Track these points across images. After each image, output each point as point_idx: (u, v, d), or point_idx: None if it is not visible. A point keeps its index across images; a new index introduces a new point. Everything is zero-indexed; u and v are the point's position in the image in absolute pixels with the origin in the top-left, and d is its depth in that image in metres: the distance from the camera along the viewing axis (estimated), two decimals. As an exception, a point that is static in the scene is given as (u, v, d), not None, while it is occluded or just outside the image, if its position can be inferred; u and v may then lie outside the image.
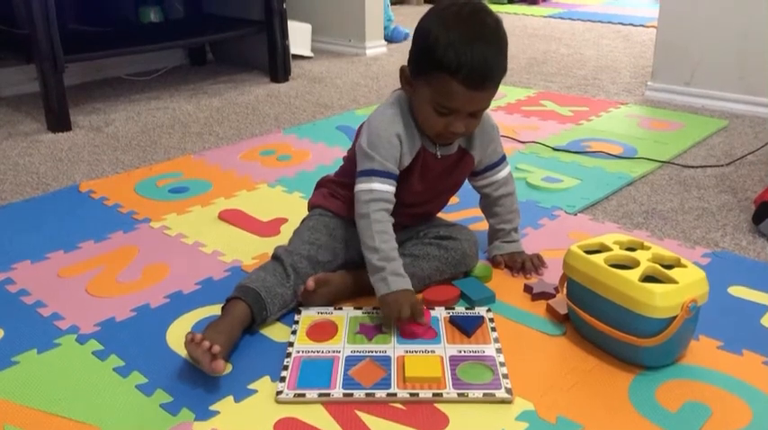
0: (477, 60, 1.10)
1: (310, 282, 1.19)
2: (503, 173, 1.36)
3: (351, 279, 1.25)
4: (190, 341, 1.03)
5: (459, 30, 1.11)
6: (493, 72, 1.13)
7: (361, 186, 1.20)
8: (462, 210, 1.52)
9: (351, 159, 1.30)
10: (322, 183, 1.39)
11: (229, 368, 1.07)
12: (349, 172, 1.29)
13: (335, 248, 1.27)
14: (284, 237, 1.48)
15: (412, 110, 1.21)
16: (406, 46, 3.98)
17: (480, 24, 1.13)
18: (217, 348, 1.00)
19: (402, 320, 1.13)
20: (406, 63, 1.21)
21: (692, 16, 2.44)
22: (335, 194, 1.33)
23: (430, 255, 1.27)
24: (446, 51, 1.10)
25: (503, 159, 1.35)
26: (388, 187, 1.20)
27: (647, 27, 3.98)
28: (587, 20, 4.37)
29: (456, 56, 1.09)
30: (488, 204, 1.39)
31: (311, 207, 1.36)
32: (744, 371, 1.07)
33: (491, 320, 1.19)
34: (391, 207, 1.20)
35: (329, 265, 1.26)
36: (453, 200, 1.41)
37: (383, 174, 1.19)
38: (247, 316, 1.13)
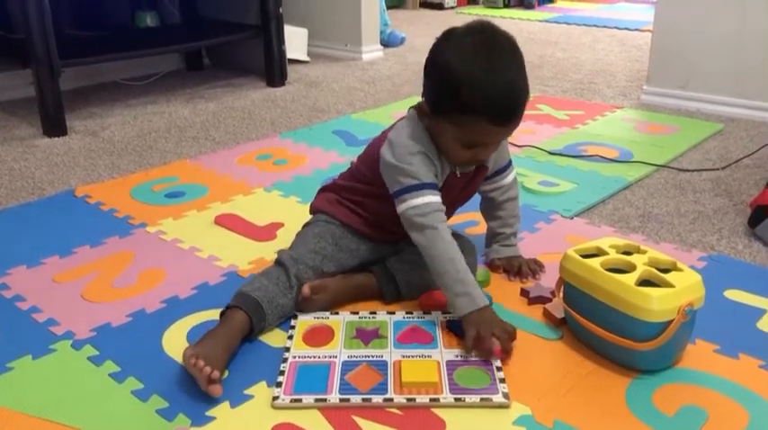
0: (505, 97, 1.08)
1: (306, 289, 1.18)
2: (509, 177, 1.35)
3: (348, 283, 1.25)
4: (192, 366, 1.01)
5: (480, 66, 1.07)
6: (521, 101, 1.11)
7: (415, 202, 1.15)
8: (459, 214, 1.52)
9: (360, 167, 1.28)
10: (328, 188, 1.36)
11: (226, 373, 1.06)
12: (359, 177, 1.28)
13: (341, 259, 1.26)
14: (281, 241, 1.48)
15: (432, 136, 1.18)
16: (403, 50, 3.96)
17: (498, 53, 1.09)
18: (216, 374, 0.99)
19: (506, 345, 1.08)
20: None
21: (687, 20, 2.44)
22: (343, 201, 1.30)
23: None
24: (472, 94, 1.07)
25: (509, 164, 1.35)
26: (435, 197, 1.17)
27: (643, 31, 3.99)
28: (583, 24, 4.39)
29: (484, 98, 1.07)
30: (491, 208, 1.39)
31: (315, 211, 1.34)
32: (740, 375, 1.07)
33: (488, 324, 1.18)
34: (444, 216, 1.18)
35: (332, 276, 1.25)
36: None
37: (429, 186, 1.16)
38: (246, 326, 1.13)
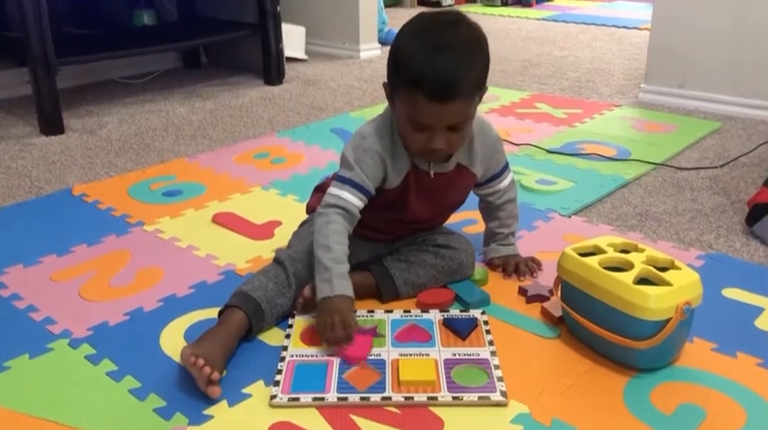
0: (440, 71, 1.06)
1: (306, 291, 1.18)
2: (506, 181, 1.34)
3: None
4: (192, 364, 1.01)
5: (423, 40, 1.08)
6: (458, 82, 1.07)
7: (333, 190, 1.19)
8: (456, 212, 1.52)
9: None
10: (322, 187, 1.35)
11: (224, 373, 1.06)
12: None
13: None
14: (278, 240, 1.48)
15: (398, 126, 1.19)
16: (400, 48, 3.80)
17: (449, 34, 1.09)
18: (216, 375, 0.99)
19: (331, 335, 1.09)
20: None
21: (685, 19, 2.44)
22: None
23: (426, 262, 1.27)
24: (409, 63, 1.08)
25: (506, 167, 1.34)
26: (356, 200, 1.18)
27: (641, 29, 3.99)
28: (581, 22, 4.39)
29: (418, 66, 1.07)
30: (490, 209, 1.38)
31: (311, 210, 1.34)
32: (738, 373, 1.07)
33: (485, 323, 1.18)
34: (353, 220, 1.19)
35: None
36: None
37: (357, 187, 1.18)
38: (245, 326, 1.12)
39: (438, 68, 1.07)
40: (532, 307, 1.25)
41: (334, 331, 1.09)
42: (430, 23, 1.12)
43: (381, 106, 2.52)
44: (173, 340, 1.15)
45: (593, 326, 1.08)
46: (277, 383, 1.03)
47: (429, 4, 5.07)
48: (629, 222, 1.61)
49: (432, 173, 1.22)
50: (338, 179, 1.20)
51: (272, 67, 2.85)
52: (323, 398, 1.00)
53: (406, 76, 1.09)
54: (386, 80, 1.18)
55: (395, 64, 1.12)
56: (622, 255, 1.12)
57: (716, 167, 1.93)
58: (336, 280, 1.12)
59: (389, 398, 1.00)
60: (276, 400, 1.00)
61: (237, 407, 1.00)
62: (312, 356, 1.10)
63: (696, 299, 1.05)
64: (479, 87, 1.13)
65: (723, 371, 1.08)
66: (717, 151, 2.07)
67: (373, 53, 3.43)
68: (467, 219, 1.54)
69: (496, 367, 1.07)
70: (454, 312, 1.22)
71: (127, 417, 0.99)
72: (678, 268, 1.09)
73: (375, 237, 1.30)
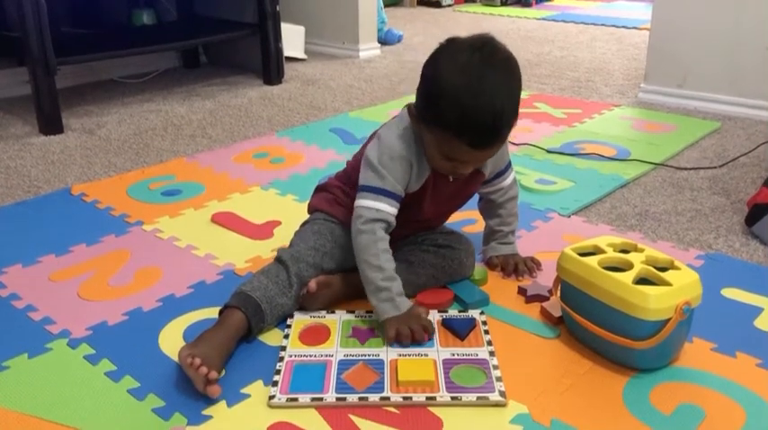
0: (484, 122, 1.05)
1: (312, 285, 1.18)
2: (509, 179, 1.34)
3: (350, 282, 1.24)
4: (189, 365, 1.01)
5: (465, 86, 1.04)
6: (502, 127, 1.08)
7: (368, 203, 1.16)
8: (458, 211, 1.52)
9: (356, 167, 1.28)
10: (324, 187, 1.36)
11: (222, 373, 1.06)
12: (354, 180, 1.28)
13: (340, 257, 1.25)
14: (278, 240, 1.48)
15: (421, 138, 1.17)
16: (400, 48, 3.96)
17: (489, 75, 1.06)
18: (214, 375, 0.99)
19: (417, 337, 1.12)
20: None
21: (685, 19, 2.44)
22: (340, 201, 1.30)
23: (426, 262, 1.27)
24: (452, 113, 1.05)
25: (509, 166, 1.34)
26: (393, 210, 1.17)
27: (641, 29, 3.99)
28: (581, 22, 4.38)
29: (462, 119, 1.05)
30: (491, 207, 1.38)
31: (313, 210, 1.34)
32: (737, 374, 1.07)
33: (484, 323, 1.18)
34: (391, 229, 1.19)
35: (333, 274, 1.25)
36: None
37: (392, 196, 1.17)
38: (244, 327, 1.12)
39: (479, 120, 1.05)
40: (532, 307, 1.25)
41: (416, 334, 1.12)
42: (468, 59, 1.07)
43: (380, 106, 2.54)
44: (172, 340, 1.15)
45: (592, 327, 1.08)
46: (276, 383, 1.03)
47: (428, 5, 5.07)
48: (629, 222, 1.61)
49: (451, 177, 1.22)
50: (370, 190, 1.17)
51: (271, 67, 2.85)
52: (321, 399, 1.00)
53: (447, 120, 1.07)
54: (412, 104, 1.16)
55: (431, 100, 1.09)
56: (622, 255, 1.12)
57: (715, 167, 1.93)
58: (398, 298, 1.14)
59: (388, 399, 1.00)
60: (275, 401, 1.00)
61: (236, 407, 1.00)
62: (311, 356, 1.10)
63: (695, 299, 1.05)
64: (517, 116, 1.12)
65: (722, 371, 1.08)
66: (716, 151, 2.06)
67: (373, 53, 3.43)
68: (466, 219, 1.54)
69: (495, 367, 1.07)
70: (453, 312, 1.22)
71: (125, 417, 0.99)
72: (678, 268, 1.08)
73: None
